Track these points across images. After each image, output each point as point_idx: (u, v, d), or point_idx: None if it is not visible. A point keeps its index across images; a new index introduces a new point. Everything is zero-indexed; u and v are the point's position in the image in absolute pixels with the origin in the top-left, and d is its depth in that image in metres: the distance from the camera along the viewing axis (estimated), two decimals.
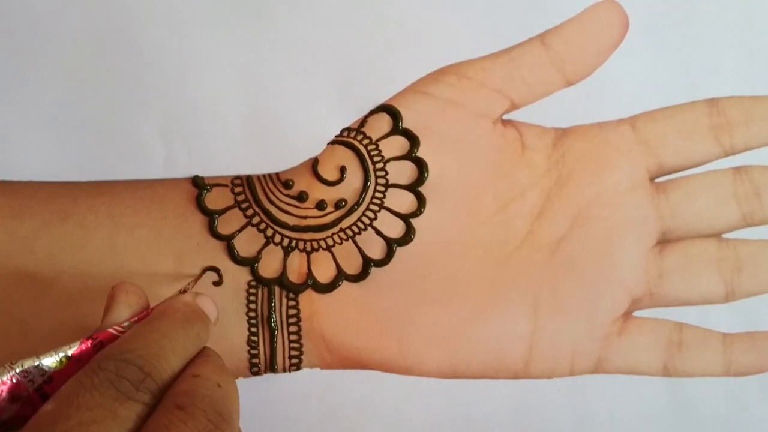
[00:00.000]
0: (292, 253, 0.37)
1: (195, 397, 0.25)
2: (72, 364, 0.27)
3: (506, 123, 0.38)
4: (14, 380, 0.26)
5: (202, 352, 0.29)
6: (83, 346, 0.27)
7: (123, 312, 0.29)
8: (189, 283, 0.32)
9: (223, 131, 0.37)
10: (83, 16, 0.36)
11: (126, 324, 0.29)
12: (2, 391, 0.26)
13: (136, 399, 0.25)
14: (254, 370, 0.36)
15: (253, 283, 0.36)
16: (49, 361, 0.27)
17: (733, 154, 0.38)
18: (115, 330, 0.28)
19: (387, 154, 0.37)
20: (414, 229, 0.37)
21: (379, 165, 0.37)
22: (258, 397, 0.36)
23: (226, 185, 0.37)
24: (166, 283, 0.36)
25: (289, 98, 0.37)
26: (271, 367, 0.36)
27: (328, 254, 0.37)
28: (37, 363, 0.27)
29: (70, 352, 0.27)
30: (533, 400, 0.38)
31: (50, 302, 0.35)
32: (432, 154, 0.37)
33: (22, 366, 0.26)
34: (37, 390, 0.27)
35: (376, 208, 0.37)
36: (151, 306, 0.30)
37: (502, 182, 0.37)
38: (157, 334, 0.27)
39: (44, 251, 0.35)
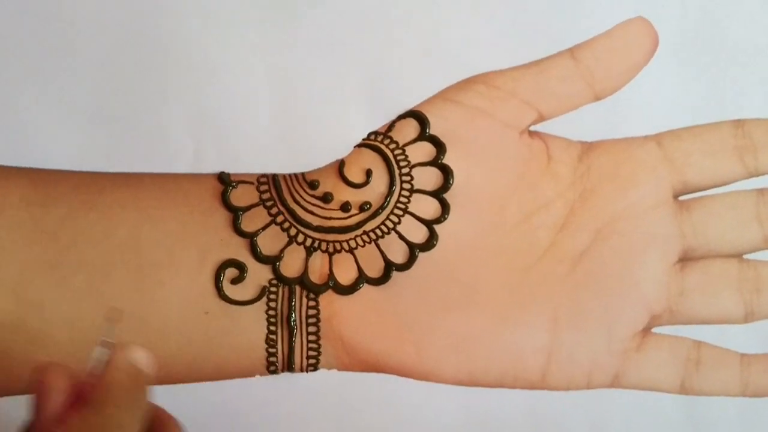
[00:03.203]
0: (314, 254, 0.37)
1: None
2: None
3: (533, 134, 0.38)
4: None
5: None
6: None
7: (58, 398, 0.27)
8: (92, 364, 0.28)
9: (251, 129, 0.37)
10: (116, 11, 0.37)
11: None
12: None
13: None
14: (272, 368, 0.36)
15: (274, 281, 0.36)
16: None
17: (758, 175, 0.38)
18: None
19: (413, 160, 0.37)
20: (437, 236, 0.37)
21: (405, 170, 0.37)
22: (275, 396, 0.36)
23: (251, 183, 0.37)
24: (188, 276, 0.36)
25: (318, 100, 0.37)
26: (289, 367, 0.36)
27: (350, 256, 0.37)
28: None
29: None
30: (549, 410, 0.38)
31: (71, 291, 0.35)
32: (458, 161, 0.37)
33: None
34: None
35: (400, 212, 0.37)
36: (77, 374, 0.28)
37: (527, 193, 0.38)
38: (105, 424, 0.26)
39: (68, 240, 0.35)
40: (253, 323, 0.36)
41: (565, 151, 0.38)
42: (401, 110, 0.37)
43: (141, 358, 0.28)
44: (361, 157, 0.37)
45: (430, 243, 0.37)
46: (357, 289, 0.37)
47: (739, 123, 0.38)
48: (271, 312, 0.36)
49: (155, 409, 0.28)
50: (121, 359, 0.28)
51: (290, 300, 0.36)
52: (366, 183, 0.37)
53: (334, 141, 0.37)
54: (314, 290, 0.36)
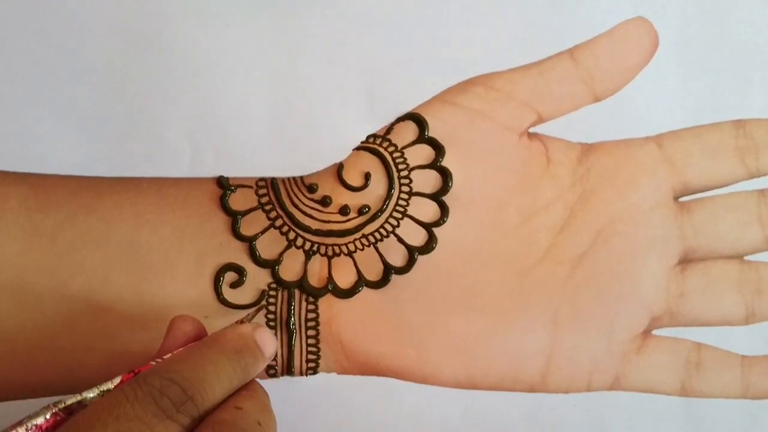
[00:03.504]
0: (313, 257, 0.37)
1: (234, 428, 0.26)
2: None
3: (532, 136, 0.38)
4: (58, 418, 0.26)
5: (250, 386, 0.29)
6: (126, 380, 0.28)
7: (179, 338, 0.30)
8: (248, 315, 0.32)
9: (249, 133, 0.37)
10: (114, 13, 0.37)
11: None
12: (47, 427, 0.26)
13: (175, 419, 0.25)
14: (271, 372, 0.36)
15: (273, 285, 0.36)
16: (91, 395, 0.27)
17: (759, 176, 0.38)
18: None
19: (412, 162, 0.37)
20: (436, 238, 0.37)
21: (404, 173, 0.37)
22: (274, 400, 0.36)
23: (250, 186, 0.37)
24: (186, 281, 0.36)
25: (316, 102, 0.37)
26: (288, 370, 0.36)
27: (349, 260, 0.37)
28: (80, 399, 0.27)
29: (112, 386, 0.27)
30: (549, 412, 0.38)
31: (70, 295, 0.35)
32: (457, 163, 0.37)
33: (64, 404, 0.27)
34: None
35: (399, 215, 0.37)
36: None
37: (526, 195, 0.37)
38: (204, 360, 0.27)
39: (67, 244, 0.35)
40: None
41: (564, 152, 0.38)
42: (400, 113, 0.37)
43: (261, 334, 0.30)
44: (359, 160, 0.37)
45: (429, 246, 0.37)
46: (356, 293, 0.37)
47: (740, 123, 0.38)
48: (271, 315, 0.36)
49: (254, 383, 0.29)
50: (246, 327, 0.30)
51: (289, 303, 0.36)
52: (365, 186, 0.37)
53: (333, 144, 0.37)
54: (313, 294, 0.36)
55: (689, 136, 0.38)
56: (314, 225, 0.37)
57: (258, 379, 0.36)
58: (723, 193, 0.38)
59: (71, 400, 0.27)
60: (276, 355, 0.36)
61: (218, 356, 0.28)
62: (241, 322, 0.31)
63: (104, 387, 0.27)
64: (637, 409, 0.38)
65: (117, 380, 0.27)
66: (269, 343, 0.30)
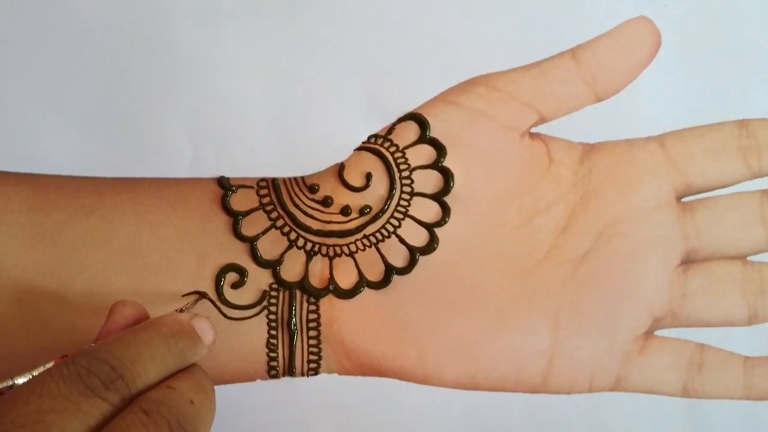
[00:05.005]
0: (314, 258, 0.37)
1: (162, 405, 0.26)
2: None
3: (534, 136, 0.38)
4: None
5: (188, 369, 0.29)
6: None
7: (118, 323, 0.30)
8: (187, 304, 0.33)
9: (250, 133, 0.37)
10: (115, 12, 0.37)
11: None
12: None
13: (103, 397, 0.25)
14: (272, 372, 0.36)
15: (274, 285, 0.36)
16: (23, 381, 0.27)
17: (762, 176, 0.38)
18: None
19: (413, 163, 0.37)
20: (437, 239, 0.37)
21: (405, 173, 0.37)
22: (276, 400, 0.36)
23: (251, 187, 0.37)
24: (187, 282, 0.36)
25: (317, 103, 0.37)
26: (290, 371, 0.36)
27: (351, 260, 0.37)
28: (11, 383, 0.27)
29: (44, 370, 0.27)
30: (551, 413, 0.37)
31: (72, 295, 0.35)
32: (458, 164, 0.37)
33: None
34: None
35: (401, 216, 0.37)
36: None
37: (528, 195, 0.37)
38: (137, 341, 0.27)
39: (68, 245, 0.35)
40: (253, 328, 0.36)
41: (566, 152, 0.38)
42: (401, 113, 0.37)
43: (199, 322, 0.30)
44: (361, 161, 0.37)
45: (430, 246, 0.37)
46: (358, 293, 0.37)
47: (743, 123, 0.38)
48: (272, 316, 0.36)
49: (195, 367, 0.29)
50: (184, 315, 0.31)
51: (291, 304, 0.36)
52: (366, 186, 0.37)
53: (334, 144, 0.37)
54: (315, 294, 0.36)
55: (692, 136, 0.38)
56: (315, 225, 0.37)
57: (259, 380, 0.36)
58: (726, 194, 0.38)
59: (2, 384, 0.27)
60: (278, 356, 0.36)
61: (153, 338, 0.28)
62: (180, 311, 0.31)
63: (36, 371, 0.27)
64: (639, 410, 0.38)
65: (50, 364, 0.27)
66: (207, 331, 0.30)
